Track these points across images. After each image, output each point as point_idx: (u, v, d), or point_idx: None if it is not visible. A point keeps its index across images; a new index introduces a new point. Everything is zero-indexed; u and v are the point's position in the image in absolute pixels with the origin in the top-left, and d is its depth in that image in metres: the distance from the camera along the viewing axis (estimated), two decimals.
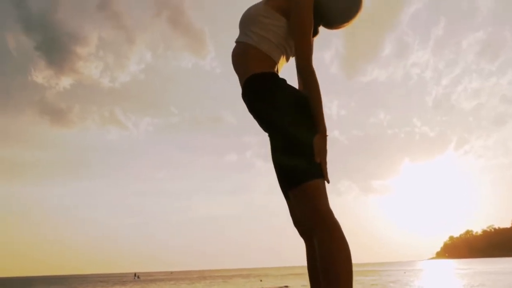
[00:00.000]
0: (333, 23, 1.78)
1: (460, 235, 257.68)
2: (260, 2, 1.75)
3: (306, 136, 1.57)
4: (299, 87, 1.82)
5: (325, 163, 1.57)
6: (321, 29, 1.80)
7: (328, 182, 1.57)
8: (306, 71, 1.61)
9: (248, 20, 1.73)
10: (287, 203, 1.77)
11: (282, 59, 1.76)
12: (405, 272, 31.34)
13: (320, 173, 1.55)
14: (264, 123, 1.70)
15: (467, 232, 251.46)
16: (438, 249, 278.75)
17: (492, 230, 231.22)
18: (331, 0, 1.72)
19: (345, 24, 1.78)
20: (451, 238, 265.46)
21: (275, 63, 1.71)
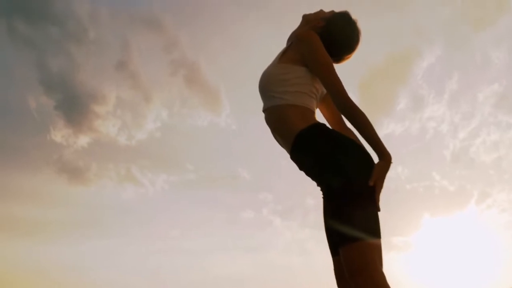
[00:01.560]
0: (341, 55, 1.82)
1: None
2: (273, 64, 1.76)
3: (365, 188, 1.49)
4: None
5: (380, 189, 1.51)
6: None
7: (379, 210, 1.51)
8: (347, 106, 1.57)
9: (270, 84, 1.71)
10: (333, 259, 1.67)
11: (316, 104, 1.75)
12: None
13: (378, 233, 1.47)
14: (318, 177, 1.63)
15: None
16: None
17: None
18: (335, 34, 1.77)
19: (351, 53, 1.83)
20: None
21: (313, 111, 1.71)
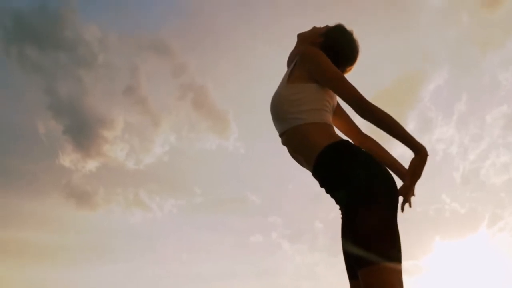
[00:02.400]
0: (344, 67, 1.82)
1: None
2: (282, 85, 1.74)
3: (386, 208, 1.46)
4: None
5: (415, 184, 1.56)
6: None
7: (410, 206, 1.59)
8: (371, 111, 1.56)
9: (283, 105, 1.69)
10: (350, 284, 1.62)
11: (331, 118, 1.75)
12: None
13: (398, 256, 1.41)
14: (338, 194, 1.59)
15: None
16: None
17: None
18: (335, 47, 1.78)
19: (353, 64, 1.84)
20: None
21: (332, 126, 1.70)
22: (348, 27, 1.85)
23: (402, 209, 1.56)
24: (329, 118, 1.71)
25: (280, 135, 1.75)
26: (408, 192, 1.61)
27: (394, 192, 1.51)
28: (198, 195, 10.07)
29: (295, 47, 1.89)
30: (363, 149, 1.66)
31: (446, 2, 8.91)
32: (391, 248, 1.41)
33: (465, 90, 9.29)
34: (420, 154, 1.53)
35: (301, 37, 1.88)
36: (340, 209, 1.63)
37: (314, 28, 1.88)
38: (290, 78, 1.71)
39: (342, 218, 1.62)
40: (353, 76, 1.81)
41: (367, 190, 1.46)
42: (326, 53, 1.69)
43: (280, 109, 1.71)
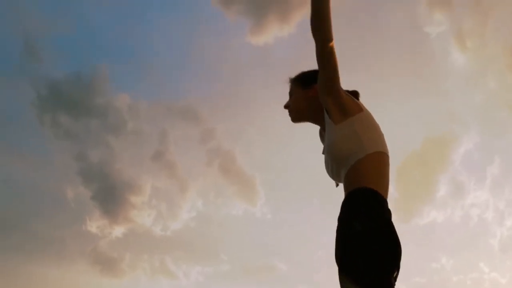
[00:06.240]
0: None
1: None
2: (332, 131, 1.65)
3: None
4: None
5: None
6: None
7: None
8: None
9: (344, 145, 1.61)
10: None
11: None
12: None
13: None
14: (336, 248, 1.52)
15: None
16: None
17: None
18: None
19: None
20: None
21: (385, 155, 1.66)
22: None
23: None
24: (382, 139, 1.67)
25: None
26: None
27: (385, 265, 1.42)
28: (225, 262, 9.85)
29: (297, 99, 1.86)
30: (385, 207, 1.57)
31: (473, 66, 8.96)
32: None
33: (497, 153, 9.07)
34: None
35: (293, 91, 1.88)
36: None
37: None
38: (333, 121, 1.64)
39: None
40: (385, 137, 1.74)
41: (365, 267, 1.39)
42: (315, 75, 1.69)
43: (342, 153, 1.62)
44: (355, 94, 1.78)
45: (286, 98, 1.87)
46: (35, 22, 9.86)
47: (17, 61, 10.31)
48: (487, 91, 8.95)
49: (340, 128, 1.61)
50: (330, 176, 1.75)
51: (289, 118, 1.86)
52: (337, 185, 1.74)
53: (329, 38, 1.57)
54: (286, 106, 1.86)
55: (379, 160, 1.60)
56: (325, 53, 1.58)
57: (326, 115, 1.67)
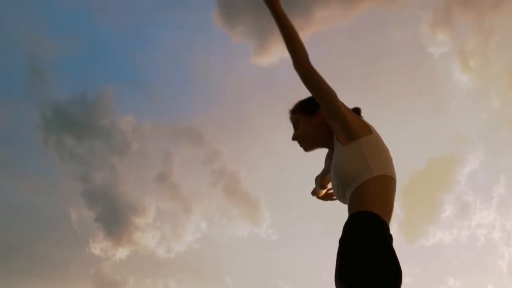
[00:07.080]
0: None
1: None
2: (340, 152, 1.65)
3: None
4: None
5: None
6: None
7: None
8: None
9: (351, 166, 1.60)
10: None
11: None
12: None
13: None
14: (336, 273, 1.48)
15: None
16: None
17: None
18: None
19: None
20: None
21: (392, 179, 1.64)
22: None
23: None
24: (390, 162, 1.66)
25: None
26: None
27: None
28: (229, 284, 9.72)
29: (304, 127, 1.84)
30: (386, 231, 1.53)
31: (476, 86, 8.98)
32: None
33: (503, 172, 9.00)
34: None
35: (295, 118, 1.88)
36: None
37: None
38: (340, 142, 1.64)
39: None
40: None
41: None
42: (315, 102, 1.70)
43: (348, 174, 1.61)
44: (356, 111, 1.77)
45: (286, 116, 1.87)
46: (40, 44, 9.98)
47: (23, 82, 10.42)
48: (491, 110, 8.95)
49: (347, 149, 1.61)
50: (337, 198, 1.74)
51: (291, 136, 1.85)
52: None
53: (303, 58, 1.59)
54: (294, 138, 1.84)
55: (384, 184, 1.58)
56: (305, 73, 1.59)
57: (334, 137, 1.67)
